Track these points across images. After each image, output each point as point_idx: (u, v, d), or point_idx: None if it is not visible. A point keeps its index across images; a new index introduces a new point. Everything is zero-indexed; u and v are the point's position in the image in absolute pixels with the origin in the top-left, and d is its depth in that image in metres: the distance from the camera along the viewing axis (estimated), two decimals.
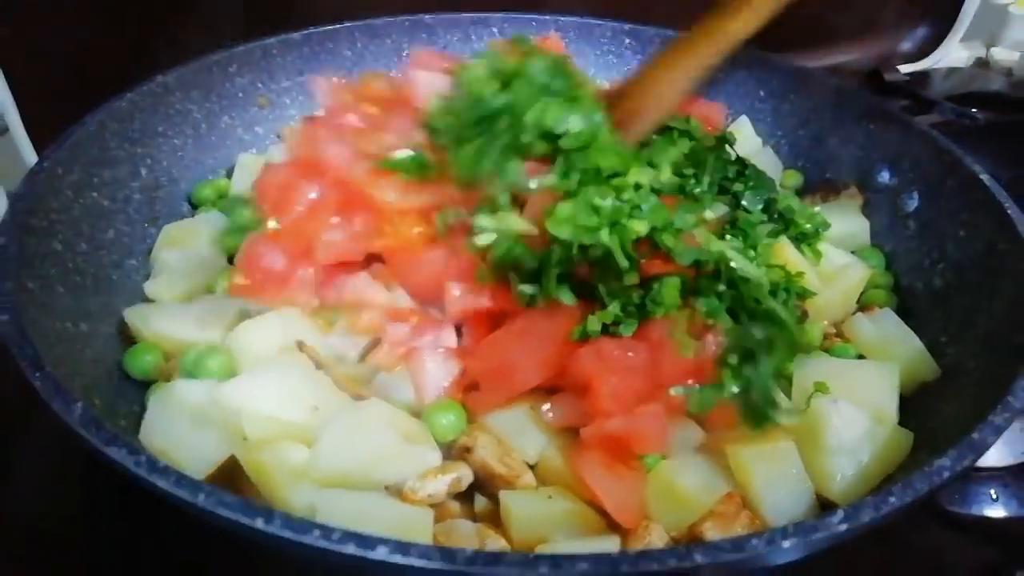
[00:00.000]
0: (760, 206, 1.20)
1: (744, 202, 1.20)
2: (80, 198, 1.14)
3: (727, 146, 1.26)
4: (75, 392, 0.83)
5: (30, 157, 1.43)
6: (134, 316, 1.09)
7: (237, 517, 0.69)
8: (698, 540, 0.84)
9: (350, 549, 0.67)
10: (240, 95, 1.48)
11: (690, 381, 0.91)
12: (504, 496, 0.88)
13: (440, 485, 0.88)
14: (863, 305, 1.18)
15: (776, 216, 1.22)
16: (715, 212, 1.25)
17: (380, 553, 0.66)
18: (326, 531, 0.68)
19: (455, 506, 0.90)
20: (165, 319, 1.07)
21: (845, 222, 1.30)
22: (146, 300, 1.15)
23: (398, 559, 0.66)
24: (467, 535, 0.85)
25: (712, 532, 0.84)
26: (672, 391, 0.90)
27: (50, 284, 1.03)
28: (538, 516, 0.86)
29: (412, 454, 0.89)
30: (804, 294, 1.04)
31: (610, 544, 0.85)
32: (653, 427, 0.87)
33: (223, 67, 1.45)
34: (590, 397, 0.88)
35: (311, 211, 1.03)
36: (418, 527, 0.83)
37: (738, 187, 1.22)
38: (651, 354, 0.90)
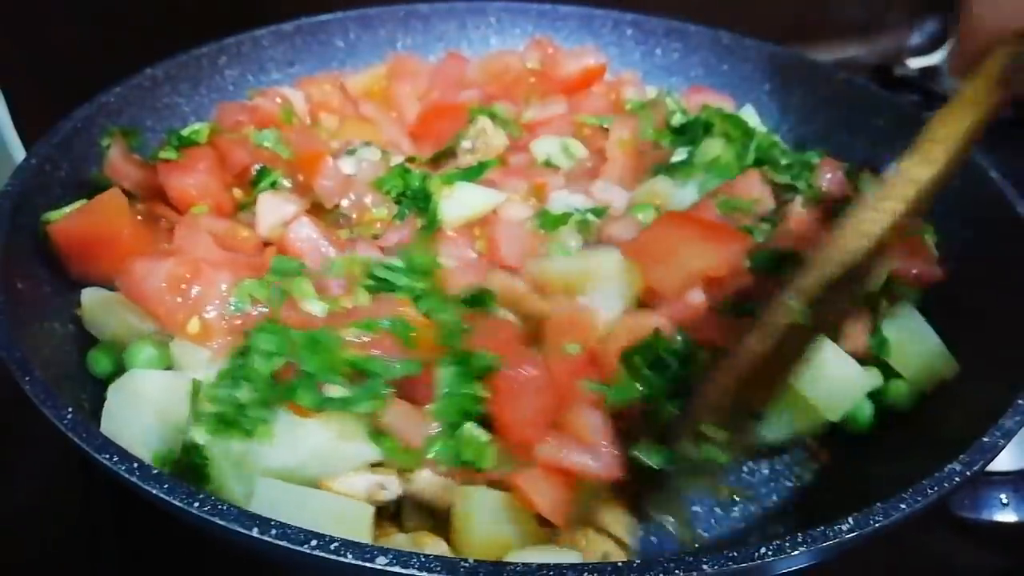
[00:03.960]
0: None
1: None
2: (69, 194, 1.11)
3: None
4: (65, 395, 0.82)
5: (18, 153, 1.41)
6: (88, 297, 1.03)
7: (233, 526, 0.68)
8: None
9: (348, 558, 0.66)
10: (230, 88, 1.45)
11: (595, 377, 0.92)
12: (460, 492, 0.85)
13: (359, 481, 0.84)
14: (887, 296, 1.12)
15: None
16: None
17: (380, 563, 0.65)
18: (323, 541, 0.66)
19: (393, 530, 0.87)
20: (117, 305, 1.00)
21: None
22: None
23: (398, 569, 0.65)
24: (403, 546, 0.82)
25: None
26: (584, 387, 0.89)
27: (39, 284, 1.01)
28: (497, 514, 0.83)
29: (344, 451, 0.85)
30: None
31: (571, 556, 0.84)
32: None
33: (212, 59, 1.42)
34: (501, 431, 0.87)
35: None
36: (355, 523, 0.80)
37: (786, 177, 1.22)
38: (539, 369, 0.88)
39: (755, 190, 1.19)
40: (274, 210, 1.13)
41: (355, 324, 0.88)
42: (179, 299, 0.93)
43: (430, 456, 0.85)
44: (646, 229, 1.11)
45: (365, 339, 0.87)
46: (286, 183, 1.18)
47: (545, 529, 0.85)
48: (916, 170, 0.88)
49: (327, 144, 1.25)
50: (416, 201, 1.19)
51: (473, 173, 1.24)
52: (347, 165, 1.21)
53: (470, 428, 0.87)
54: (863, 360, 1.03)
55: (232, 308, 0.94)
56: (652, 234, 1.08)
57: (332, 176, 1.18)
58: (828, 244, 0.88)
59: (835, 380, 0.97)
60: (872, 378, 1.02)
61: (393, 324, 0.88)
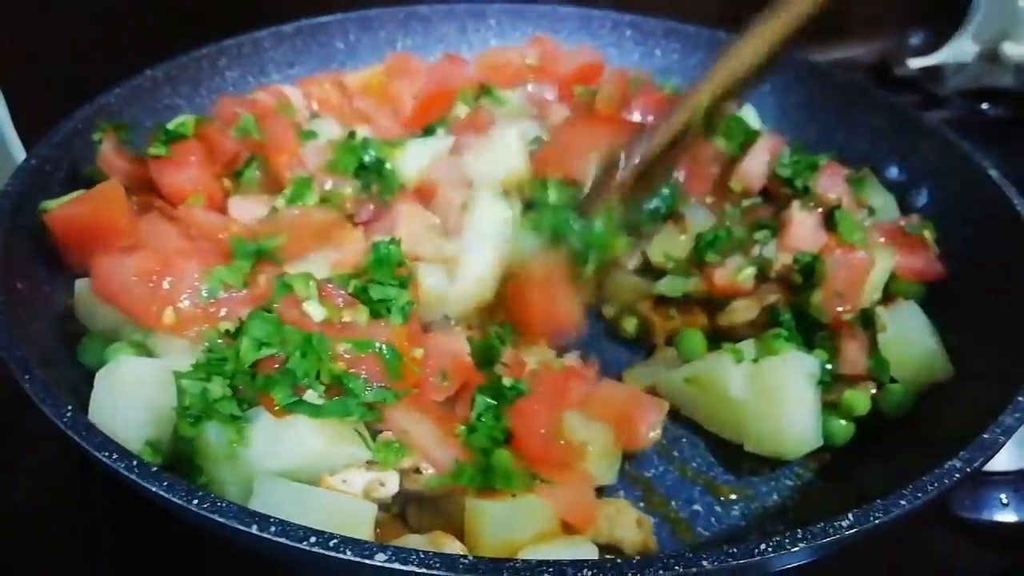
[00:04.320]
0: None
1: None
2: (69, 195, 1.11)
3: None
4: (64, 394, 0.82)
5: (18, 153, 1.41)
6: (81, 287, 1.02)
7: (232, 523, 0.68)
8: None
9: (347, 555, 0.66)
10: (231, 89, 1.45)
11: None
12: (471, 502, 0.85)
13: (356, 478, 0.83)
14: (888, 294, 1.13)
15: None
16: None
17: (379, 560, 0.65)
18: (322, 538, 0.66)
19: (399, 527, 0.88)
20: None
21: (871, 199, 1.26)
22: None
23: (397, 566, 0.65)
24: (421, 546, 0.81)
25: None
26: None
27: (38, 284, 1.01)
28: (509, 516, 0.84)
29: (337, 455, 0.85)
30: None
31: (584, 549, 0.85)
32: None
33: (212, 61, 1.43)
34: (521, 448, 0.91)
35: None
36: (357, 521, 0.80)
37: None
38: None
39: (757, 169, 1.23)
40: (244, 212, 1.16)
41: (349, 340, 0.88)
42: (150, 292, 0.93)
43: (461, 482, 0.86)
44: (559, 128, 1.29)
45: (354, 356, 0.87)
46: (258, 173, 1.20)
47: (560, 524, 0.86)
48: (734, 60, 1.05)
49: (298, 138, 1.24)
50: (373, 171, 1.20)
51: (425, 134, 1.29)
52: (312, 152, 1.22)
53: (503, 456, 0.88)
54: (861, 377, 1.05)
55: (205, 295, 0.94)
56: (565, 130, 1.26)
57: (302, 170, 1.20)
58: (665, 116, 1.11)
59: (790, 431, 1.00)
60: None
61: (386, 350, 0.88)
